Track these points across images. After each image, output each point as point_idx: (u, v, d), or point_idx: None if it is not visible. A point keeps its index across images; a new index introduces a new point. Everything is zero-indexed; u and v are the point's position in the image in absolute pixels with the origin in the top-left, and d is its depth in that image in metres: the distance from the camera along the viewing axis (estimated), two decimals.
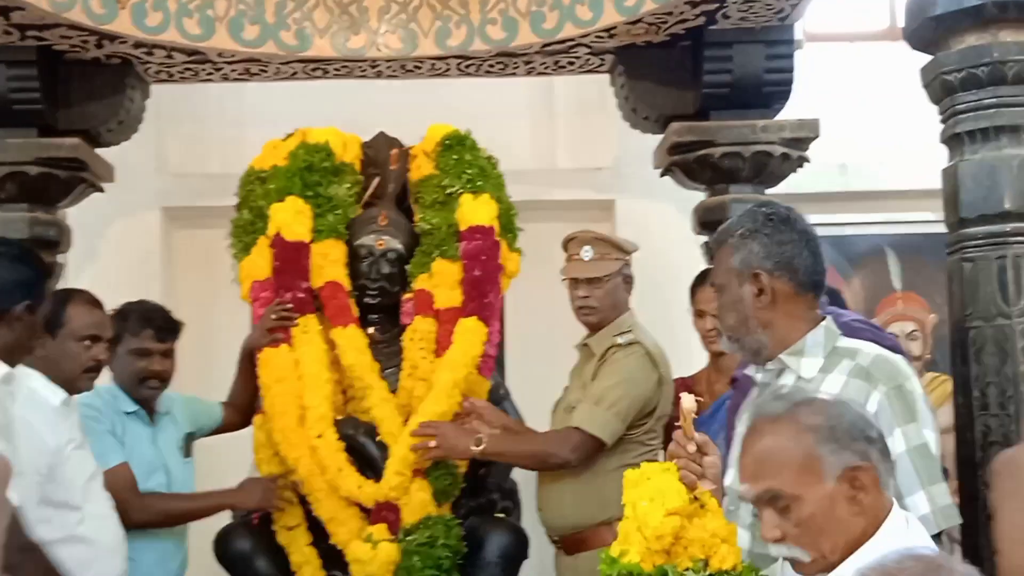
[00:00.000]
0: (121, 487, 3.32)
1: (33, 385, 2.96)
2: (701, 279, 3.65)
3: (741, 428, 2.32)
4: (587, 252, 3.65)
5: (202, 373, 4.76)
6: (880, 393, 2.22)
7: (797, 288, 2.36)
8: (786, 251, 2.36)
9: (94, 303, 3.41)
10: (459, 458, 3.59)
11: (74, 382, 3.15)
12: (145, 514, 3.39)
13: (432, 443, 3.51)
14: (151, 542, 3.44)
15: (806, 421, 1.91)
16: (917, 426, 2.22)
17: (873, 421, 2.00)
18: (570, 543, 3.58)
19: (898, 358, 2.35)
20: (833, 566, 1.88)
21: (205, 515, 3.59)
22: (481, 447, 3.50)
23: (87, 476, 3.07)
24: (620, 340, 3.56)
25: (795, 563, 1.92)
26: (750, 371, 2.47)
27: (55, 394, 3.03)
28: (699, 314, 3.77)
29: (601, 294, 3.63)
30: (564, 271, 3.70)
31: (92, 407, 3.44)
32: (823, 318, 2.40)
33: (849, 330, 2.46)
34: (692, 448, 2.12)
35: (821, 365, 2.31)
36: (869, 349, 2.34)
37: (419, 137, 4.19)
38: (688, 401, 2.12)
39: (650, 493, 1.97)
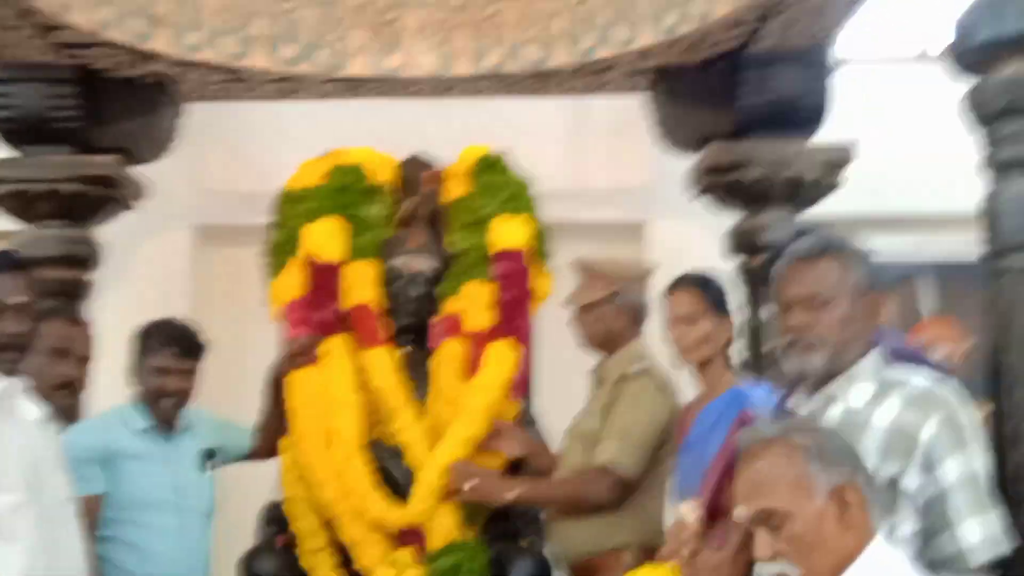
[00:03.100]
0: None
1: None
2: (674, 285, 3.47)
3: None
4: (579, 279, 3.65)
5: (231, 391, 4.75)
6: (933, 423, 2.22)
7: None
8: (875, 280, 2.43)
9: (70, 319, 3.42)
10: (493, 503, 3.55)
11: (49, 397, 3.12)
12: None
13: (467, 486, 3.49)
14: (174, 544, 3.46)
15: (797, 441, 2.03)
16: (968, 455, 2.22)
17: (858, 451, 2.12)
18: (580, 570, 3.55)
19: (950, 387, 2.34)
20: None
21: None
22: (515, 494, 3.48)
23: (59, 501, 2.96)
24: (631, 370, 3.52)
25: None
26: (792, 404, 2.45)
27: (33, 409, 2.99)
28: (669, 321, 3.37)
29: (589, 321, 3.60)
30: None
31: (80, 434, 3.44)
32: (875, 343, 2.39)
33: (896, 355, 2.44)
34: (686, 552, 2.18)
35: (873, 393, 2.29)
36: (920, 379, 2.34)
37: (453, 157, 4.18)
38: (690, 515, 2.21)
39: None
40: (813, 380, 2.38)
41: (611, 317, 3.59)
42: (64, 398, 3.31)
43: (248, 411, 4.06)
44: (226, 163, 5.73)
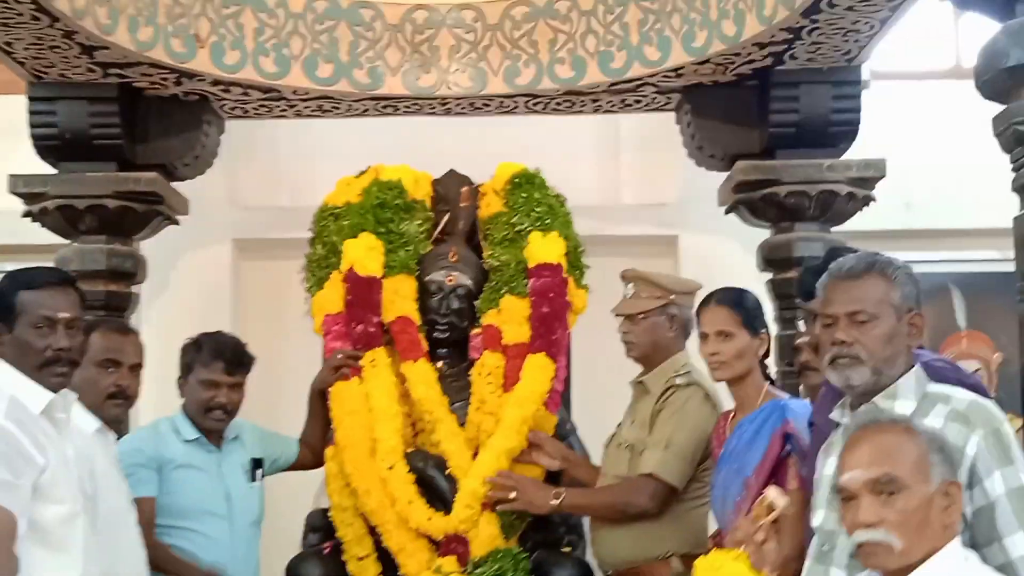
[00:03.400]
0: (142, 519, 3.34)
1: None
2: (707, 301, 3.54)
3: (829, 470, 2.38)
4: (629, 289, 3.68)
5: (270, 403, 4.85)
6: (978, 436, 2.25)
7: None
8: (918, 297, 2.47)
9: (119, 329, 3.50)
10: (537, 512, 3.61)
11: (100, 408, 3.21)
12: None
13: (511, 495, 3.55)
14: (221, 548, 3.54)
15: (921, 430, 2.15)
16: (1015, 468, 2.25)
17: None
18: None
19: (991, 402, 2.38)
20: (909, 567, 2.04)
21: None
22: (559, 501, 3.53)
23: (119, 510, 3.06)
24: (679, 380, 3.56)
25: (870, 555, 2.07)
26: (836, 415, 2.50)
27: (91, 422, 3.08)
28: (704, 337, 3.44)
29: (639, 331, 3.64)
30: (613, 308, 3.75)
31: (135, 440, 3.57)
32: (915, 364, 2.44)
33: (932, 371, 2.49)
34: (761, 537, 2.19)
35: (914, 409, 2.35)
36: (963, 394, 2.38)
37: (484, 173, 4.25)
38: (779, 500, 2.21)
39: None
40: (858, 394, 2.44)
41: (661, 328, 3.63)
42: (116, 408, 3.38)
43: (286, 421, 4.14)
44: (262, 179, 5.83)
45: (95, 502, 2.83)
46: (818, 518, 2.40)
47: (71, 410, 2.86)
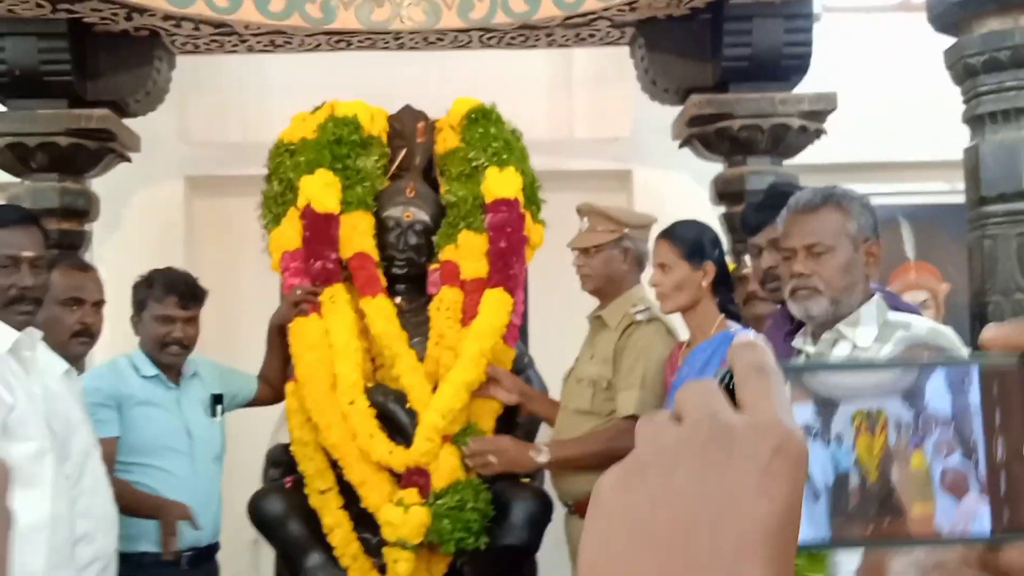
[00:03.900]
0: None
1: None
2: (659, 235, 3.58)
3: None
4: (584, 223, 3.71)
5: (223, 339, 4.87)
6: None
7: None
8: (875, 227, 2.55)
9: (79, 267, 3.50)
10: (522, 471, 3.65)
11: (65, 347, 3.23)
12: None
13: (492, 459, 3.58)
14: (182, 484, 3.57)
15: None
16: None
17: None
18: (584, 507, 3.66)
19: (948, 329, 2.47)
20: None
21: (137, 514, 3.47)
22: (545, 457, 3.57)
23: (85, 450, 3.06)
24: (639, 317, 3.60)
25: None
26: (798, 343, 2.58)
27: (59, 363, 3.08)
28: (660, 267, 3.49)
29: (594, 264, 3.66)
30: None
31: (95, 379, 3.58)
32: (874, 292, 2.51)
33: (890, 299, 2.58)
34: None
35: (876, 335, 2.42)
36: (922, 322, 2.48)
37: (436, 108, 4.25)
38: None
39: None
40: (818, 324, 2.51)
41: (616, 261, 3.66)
42: (81, 346, 3.39)
43: (239, 356, 4.17)
44: (213, 114, 5.78)
45: (66, 441, 2.85)
46: None
47: (37, 348, 2.87)
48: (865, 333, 2.45)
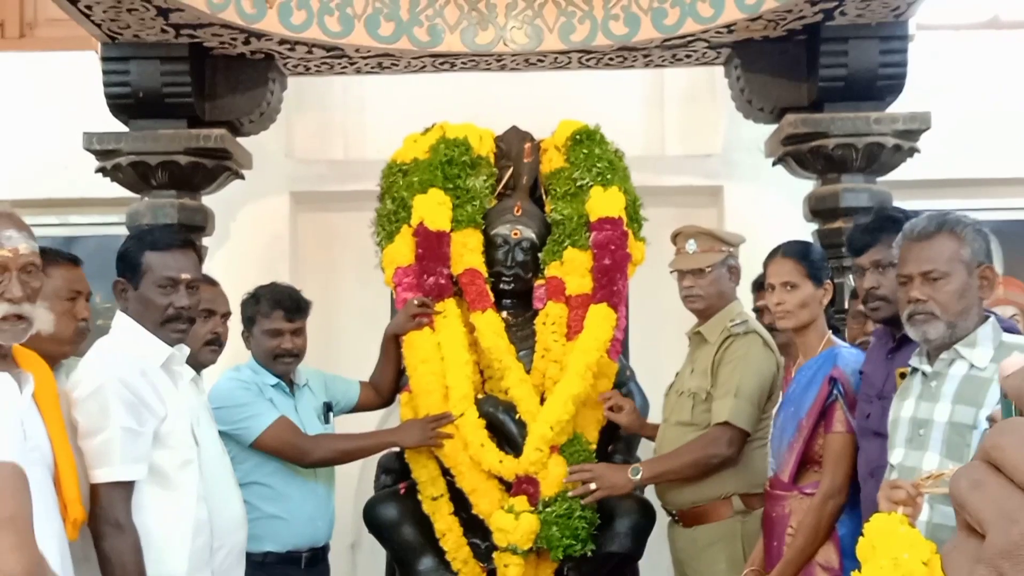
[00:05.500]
0: (289, 436, 3.64)
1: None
2: (775, 253, 3.60)
3: (906, 413, 2.59)
4: (691, 245, 3.82)
5: (325, 348, 5.03)
6: None
7: None
8: (988, 251, 2.65)
9: (209, 281, 3.67)
10: (621, 492, 3.73)
11: (196, 355, 3.40)
12: (322, 451, 3.73)
13: (592, 486, 3.68)
14: (303, 488, 3.76)
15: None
16: None
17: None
18: (688, 516, 3.80)
19: None
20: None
21: (372, 452, 3.90)
22: (639, 476, 3.68)
23: (216, 455, 3.17)
24: (737, 329, 3.73)
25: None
26: (914, 362, 2.69)
27: (187, 371, 3.16)
28: (771, 288, 3.57)
29: (705, 283, 3.79)
30: (671, 264, 3.87)
31: (239, 379, 3.76)
32: (988, 315, 2.62)
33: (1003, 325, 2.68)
34: (921, 502, 2.27)
35: (992, 356, 2.53)
36: None
37: (531, 124, 4.39)
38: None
39: (902, 546, 2.03)
40: (935, 346, 2.62)
41: (724, 279, 3.82)
42: (211, 354, 3.60)
43: (341, 364, 4.34)
44: (316, 132, 5.98)
45: (200, 449, 3.03)
46: (897, 456, 2.60)
47: (184, 363, 3.06)
48: (982, 354, 2.56)
